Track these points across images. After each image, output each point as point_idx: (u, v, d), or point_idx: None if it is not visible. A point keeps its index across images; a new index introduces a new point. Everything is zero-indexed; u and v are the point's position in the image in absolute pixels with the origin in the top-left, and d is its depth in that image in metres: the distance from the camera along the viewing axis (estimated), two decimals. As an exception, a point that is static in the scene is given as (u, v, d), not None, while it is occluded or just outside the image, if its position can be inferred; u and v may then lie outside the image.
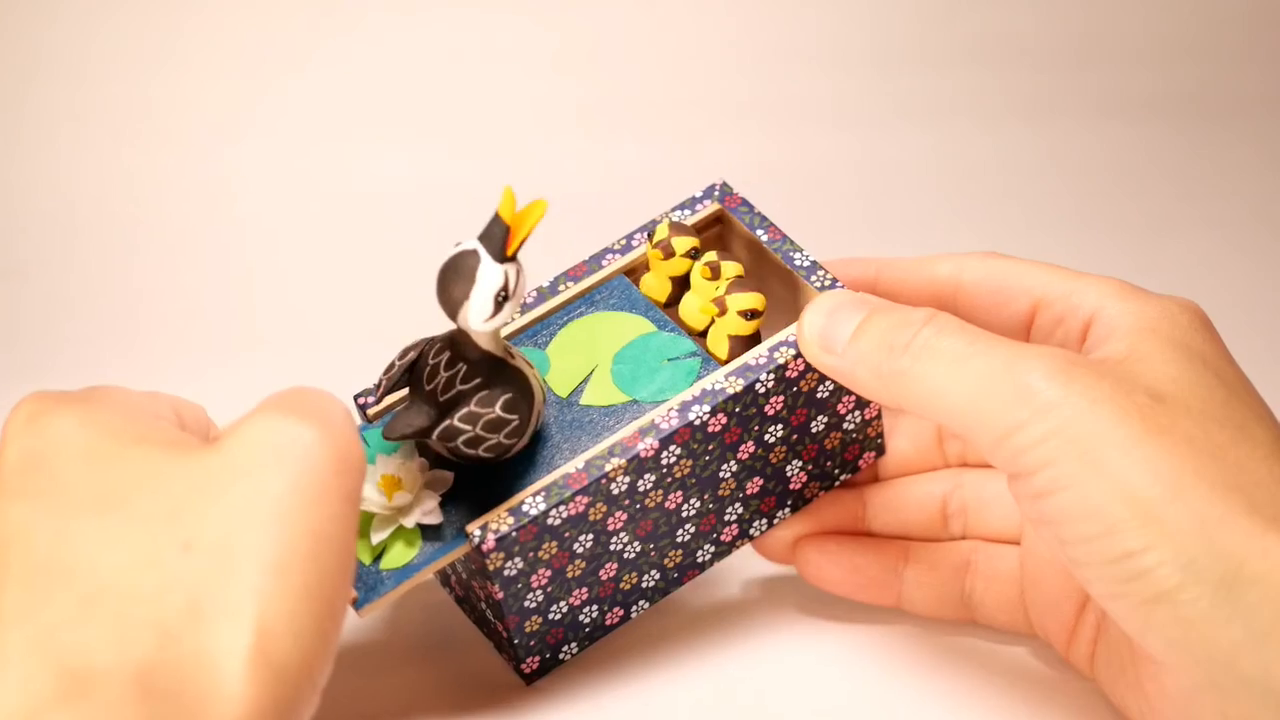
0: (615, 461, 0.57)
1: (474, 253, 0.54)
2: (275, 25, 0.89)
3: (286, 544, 0.46)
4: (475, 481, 0.58)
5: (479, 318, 0.54)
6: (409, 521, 0.56)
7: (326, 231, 0.85)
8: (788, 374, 0.59)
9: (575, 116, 0.88)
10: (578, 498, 0.56)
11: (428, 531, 0.57)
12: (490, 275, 0.54)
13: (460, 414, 0.55)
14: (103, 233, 0.84)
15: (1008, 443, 0.52)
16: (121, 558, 0.45)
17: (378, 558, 0.56)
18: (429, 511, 0.56)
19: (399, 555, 0.56)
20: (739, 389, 0.58)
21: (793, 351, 0.58)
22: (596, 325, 0.62)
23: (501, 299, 0.54)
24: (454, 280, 0.54)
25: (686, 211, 0.64)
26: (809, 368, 0.59)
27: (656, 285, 0.62)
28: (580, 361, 0.61)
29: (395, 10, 0.89)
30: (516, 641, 0.59)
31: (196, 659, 0.44)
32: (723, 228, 0.64)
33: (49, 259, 0.83)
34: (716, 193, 0.64)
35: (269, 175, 0.86)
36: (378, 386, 0.58)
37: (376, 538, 0.56)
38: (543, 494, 0.56)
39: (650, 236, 0.62)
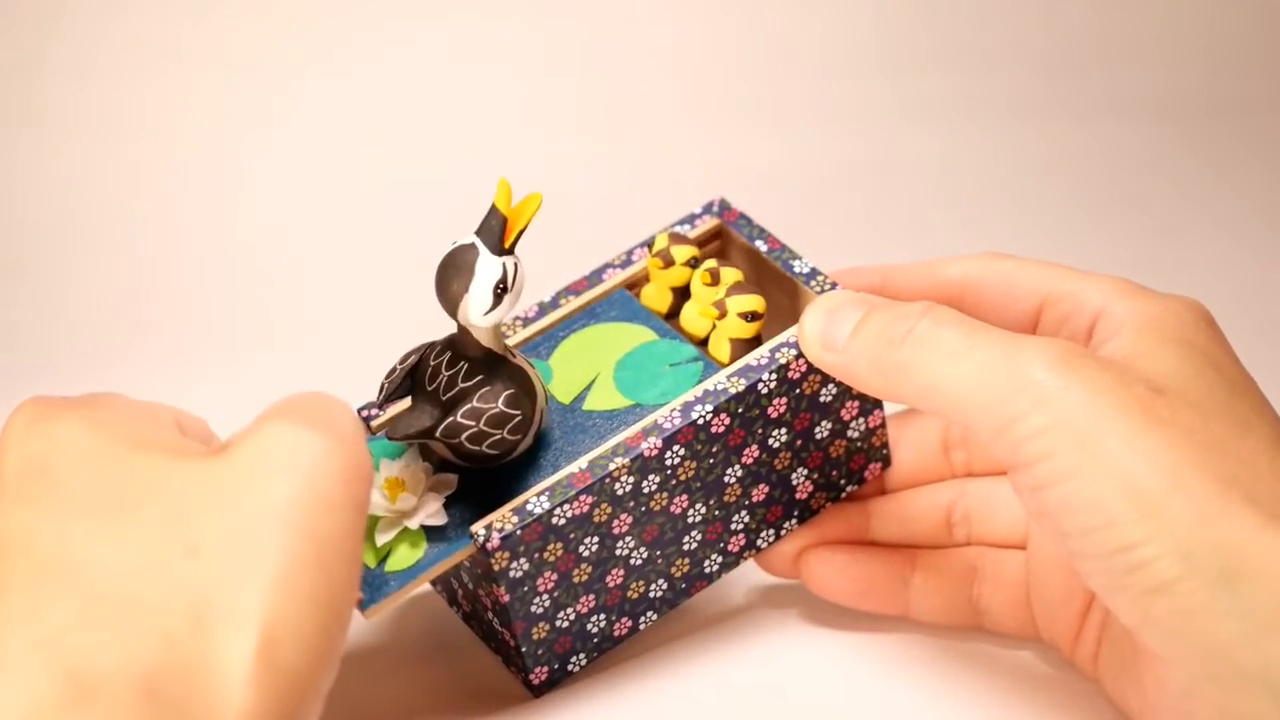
0: (619, 461, 0.57)
1: (471, 246, 0.55)
2: (282, 27, 0.89)
3: (293, 551, 0.46)
4: (480, 485, 0.58)
5: (478, 311, 0.55)
6: (413, 524, 0.57)
7: (329, 234, 0.85)
8: (790, 375, 0.59)
9: (575, 121, 0.89)
10: (582, 497, 0.57)
11: (432, 533, 0.57)
12: (488, 267, 0.54)
13: (463, 410, 0.56)
14: (105, 233, 0.84)
15: (1007, 433, 0.52)
16: (126, 562, 0.45)
17: (383, 560, 0.57)
18: (433, 513, 0.57)
19: (404, 557, 0.57)
20: (741, 388, 0.58)
21: (794, 352, 0.59)
22: (598, 336, 0.62)
23: (500, 291, 0.55)
24: (453, 275, 0.55)
25: (686, 226, 0.64)
26: (811, 369, 0.59)
27: (657, 296, 0.63)
28: (583, 370, 0.61)
29: (400, 15, 0.90)
30: (524, 649, 0.59)
31: (201, 665, 0.44)
32: (722, 242, 0.65)
33: (52, 259, 0.83)
34: (715, 208, 0.65)
35: (273, 176, 0.87)
36: (380, 391, 0.58)
37: (381, 540, 0.56)
38: (547, 493, 0.57)
39: (650, 248, 0.63)
